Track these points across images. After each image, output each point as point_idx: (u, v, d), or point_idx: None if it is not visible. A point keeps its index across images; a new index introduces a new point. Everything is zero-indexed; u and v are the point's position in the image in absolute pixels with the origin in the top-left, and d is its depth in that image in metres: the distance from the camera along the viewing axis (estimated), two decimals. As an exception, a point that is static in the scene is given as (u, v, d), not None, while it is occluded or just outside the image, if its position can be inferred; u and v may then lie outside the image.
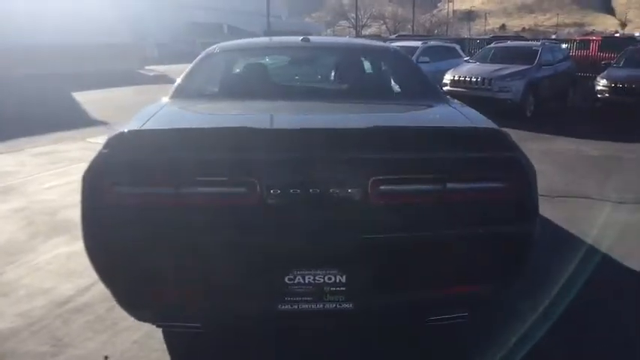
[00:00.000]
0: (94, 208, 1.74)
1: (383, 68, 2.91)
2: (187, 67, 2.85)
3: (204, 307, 1.85)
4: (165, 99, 2.55)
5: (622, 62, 9.83)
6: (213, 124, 2.05)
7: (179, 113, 2.45)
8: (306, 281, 1.77)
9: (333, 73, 2.89)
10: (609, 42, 16.02)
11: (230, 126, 1.91)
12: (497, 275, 1.92)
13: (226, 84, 2.81)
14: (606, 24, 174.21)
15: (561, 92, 10.49)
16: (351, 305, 1.80)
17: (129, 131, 1.77)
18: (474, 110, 2.34)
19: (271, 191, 1.72)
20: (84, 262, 3.11)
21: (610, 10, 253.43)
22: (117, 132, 1.76)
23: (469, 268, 1.87)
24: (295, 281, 1.77)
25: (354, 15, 45.24)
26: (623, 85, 8.62)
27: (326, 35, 41.14)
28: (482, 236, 1.80)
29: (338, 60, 3.00)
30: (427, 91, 2.64)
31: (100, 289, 2.86)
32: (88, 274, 2.99)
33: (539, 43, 10.76)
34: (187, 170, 1.72)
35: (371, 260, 1.78)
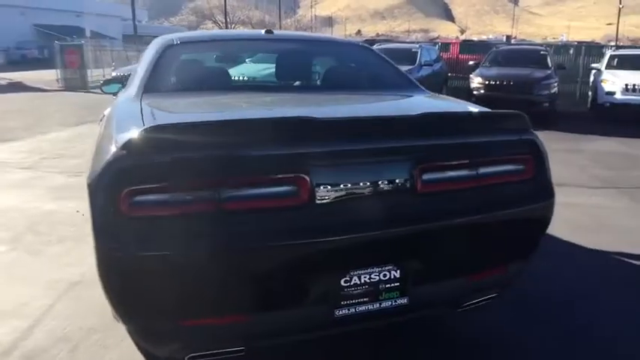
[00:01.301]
0: (113, 222, 1.42)
1: (358, 60, 2.86)
2: (143, 60, 2.51)
3: (250, 326, 1.61)
4: (132, 96, 2.20)
5: (488, 63, 11.08)
6: (253, 116, 1.76)
7: (184, 107, 2.13)
8: (362, 281, 1.65)
9: (312, 67, 2.75)
10: (466, 45, 17.98)
11: (278, 117, 1.69)
12: (522, 254, 1.99)
13: (204, 77, 2.52)
14: (448, 30, 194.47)
15: (436, 90, 11.45)
16: (405, 300, 1.73)
17: (156, 127, 1.45)
18: (452, 97, 2.42)
19: (321, 187, 1.57)
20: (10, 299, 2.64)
21: (451, 18, 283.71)
22: (136, 130, 1.45)
23: (503, 250, 1.91)
24: (351, 283, 1.64)
25: (221, 18, 44.50)
26: (495, 82, 9.70)
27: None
28: (513, 217, 1.85)
29: (312, 53, 2.87)
30: (405, 80, 2.66)
31: (49, 327, 2.42)
32: (25, 314, 2.51)
33: (417, 46, 11.63)
34: (228, 170, 1.48)
35: (422, 251, 1.73)
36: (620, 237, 3.67)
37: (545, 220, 1.95)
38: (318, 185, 1.56)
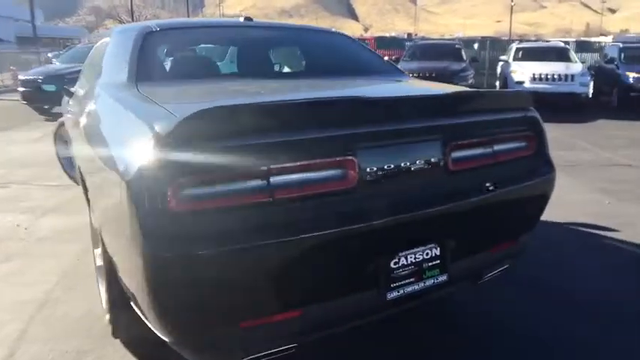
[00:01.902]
0: (161, 221, 1.26)
1: (345, 47, 2.82)
2: (113, 51, 2.30)
3: (306, 320, 1.52)
4: (122, 87, 1.99)
5: (408, 57, 11.61)
6: (298, 98, 1.65)
7: (199, 94, 1.95)
8: (408, 262, 1.64)
9: (302, 54, 2.66)
10: (382, 41, 18.72)
11: (330, 97, 1.63)
12: (530, 225, 2.09)
13: (197, 64, 2.34)
14: (353, 28, 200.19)
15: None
16: (445, 277, 1.74)
17: (206, 111, 1.29)
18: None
19: (367, 169, 1.54)
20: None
21: (355, 17, 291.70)
22: (178, 116, 1.31)
23: (517, 222, 2.01)
24: (400, 264, 1.62)
25: (126, 17, 42.22)
26: (418, 75, 10.15)
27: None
28: (526, 190, 1.93)
29: (300, 41, 2.77)
30: (389, 66, 2.69)
31: (30, 354, 2.14)
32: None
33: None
34: (283, 155, 1.39)
35: (456, 227, 1.75)
36: (571, 209, 3.98)
37: (549, 193, 2.06)
38: (365, 167, 1.53)
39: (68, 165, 4.83)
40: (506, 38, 25.28)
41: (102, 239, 1.81)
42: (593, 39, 23.57)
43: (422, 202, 1.61)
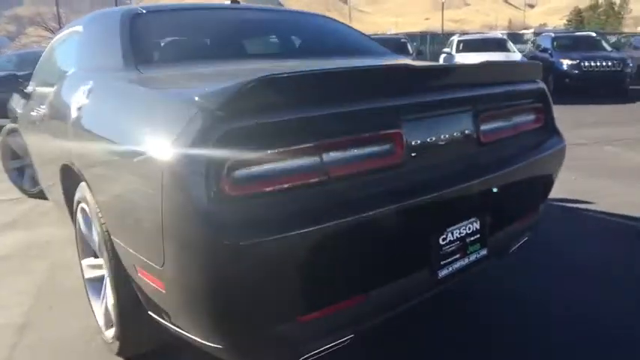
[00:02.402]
0: (215, 208, 1.11)
1: (338, 29, 2.72)
2: (109, 32, 2.07)
3: (365, 306, 1.40)
4: (119, 71, 1.80)
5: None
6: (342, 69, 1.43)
7: (217, 74, 1.77)
8: (454, 237, 1.57)
9: (296, 35, 2.51)
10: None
11: (380, 65, 1.60)
12: (546, 195, 2.10)
13: (196, 46, 2.15)
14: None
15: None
16: (485, 251, 1.70)
17: (260, 82, 1.13)
18: None
19: (412, 143, 1.46)
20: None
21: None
22: (225, 87, 1.16)
23: (538, 192, 2.01)
24: (447, 240, 1.55)
25: (54, 24, 39.84)
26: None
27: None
28: (546, 161, 1.93)
29: (291, 22, 2.63)
30: (375, 45, 2.63)
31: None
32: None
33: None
34: (337, 129, 1.28)
35: (492, 200, 1.71)
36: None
37: (561, 163, 2.08)
38: (410, 141, 1.45)
39: (17, 177, 4.43)
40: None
41: (109, 246, 1.61)
42: (520, 32, 24.92)
43: (462, 175, 1.56)
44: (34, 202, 4.24)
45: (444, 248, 1.54)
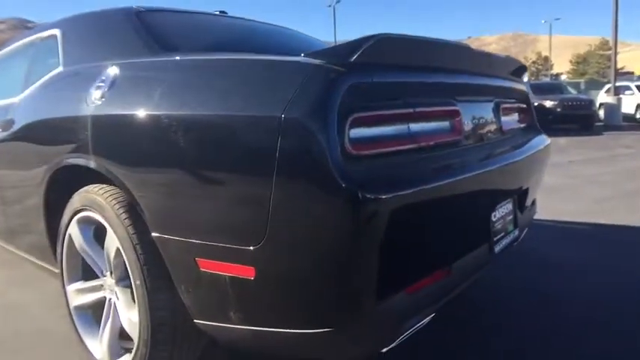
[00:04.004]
0: (342, 167, 1.04)
1: (297, 36, 2.72)
2: (121, 24, 1.92)
3: (450, 281, 1.37)
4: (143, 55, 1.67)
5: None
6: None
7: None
8: (500, 215, 1.63)
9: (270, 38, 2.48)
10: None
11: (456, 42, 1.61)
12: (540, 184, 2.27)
13: (206, 39, 2.02)
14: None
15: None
16: (517, 232, 1.77)
17: (384, 38, 1.14)
18: None
19: (466, 121, 1.51)
20: None
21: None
22: (343, 45, 1.13)
23: (540, 179, 2.16)
24: (497, 217, 1.60)
25: None
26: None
27: None
28: (544, 153, 2.10)
29: (264, 28, 2.60)
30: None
31: None
32: None
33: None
34: (429, 103, 1.33)
35: (522, 182, 1.81)
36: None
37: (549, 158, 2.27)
38: (466, 118, 1.51)
39: None
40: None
41: (142, 249, 1.41)
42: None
43: (506, 155, 1.65)
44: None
45: (495, 225, 1.59)
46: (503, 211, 1.65)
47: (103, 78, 1.59)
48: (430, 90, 1.37)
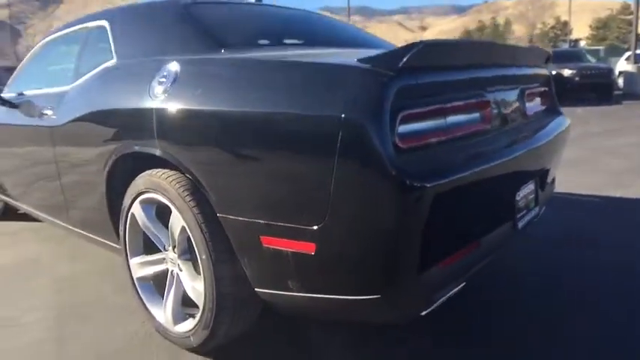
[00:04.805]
0: (393, 160, 1.23)
1: (339, 25, 2.86)
2: (174, 18, 2.09)
3: (477, 253, 1.57)
4: (197, 53, 1.83)
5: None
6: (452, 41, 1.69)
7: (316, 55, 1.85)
8: (523, 194, 1.81)
9: (318, 29, 2.60)
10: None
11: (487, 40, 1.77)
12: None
13: (257, 33, 2.18)
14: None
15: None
16: (537, 209, 1.94)
17: (426, 45, 1.31)
18: None
19: (494, 110, 1.67)
20: None
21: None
22: (394, 51, 1.32)
23: (558, 160, 2.31)
24: (520, 196, 1.78)
25: None
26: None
27: None
28: (564, 133, 2.25)
29: (310, 17, 2.73)
30: (382, 41, 2.83)
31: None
32: None
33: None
34: (462, 98, 1.51)
35: (541, 164, 1.97)
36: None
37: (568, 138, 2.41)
38: (493, 107, 1.67)
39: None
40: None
41: (207, 227, 1.61)
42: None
43: (529, 139, 1.81)
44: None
45: (518, 203, 1.76)
46: (526, 190, 1.82)
47: (165, 74, 1.76)
48: (463, 85, 1.54)
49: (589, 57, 14.28)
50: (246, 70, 1.64)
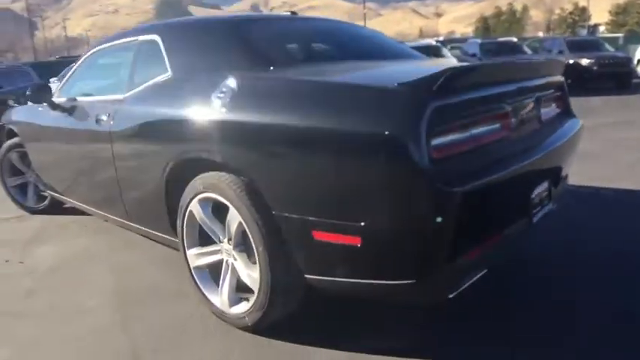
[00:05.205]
0: (430, 166, 1.50)
1: (378, 37, 3.09)
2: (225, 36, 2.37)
3: (500, 244, 1.83)
4: (247, 70, 2.10)
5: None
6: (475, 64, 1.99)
7: (364, 71, 2.16)
8: (538, 192, 2.04)
9: (357, 41, 2.85)
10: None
11: (509, 60, 2.03)
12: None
13: (298, 50, 2.47)
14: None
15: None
16: (551, 205, 2.17)
17: (453, 70, 1.58)
18: None
19: (513, 119, 1.91)
20: None
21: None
22: (427, 76, 1.58)
23: (571, 162, 2.53)
24: (535, 194, 2.01)
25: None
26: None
27: None
28: (577, 137, 2.46)
29: (345, 30, 2.97)
30: (410, 50, 3.06)
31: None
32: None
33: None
34: (485, 112, 1.77)
35: (555, 165, 2.20)
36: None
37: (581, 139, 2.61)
38: (512, 116, 1.92)
39: (18, 194, 4.38)
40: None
41: (263, 223, 1.87)
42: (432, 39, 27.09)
43: (544, 143, 2.05)
44: (40, 218, 4.21)
45: (533, 200, 2.00)
46: (540, 189, 2.06)
47: (224, 89, 2.02)
48: (486, 101, 1.78)
49: (607, 46, 14.24)
50: (299, 88, 1.90)
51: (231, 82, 2.01)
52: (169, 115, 2.31)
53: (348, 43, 2.78)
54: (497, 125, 1.82)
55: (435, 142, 1.54)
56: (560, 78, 2.50)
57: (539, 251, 2.80)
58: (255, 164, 1.90)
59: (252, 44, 2.25)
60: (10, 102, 8.13)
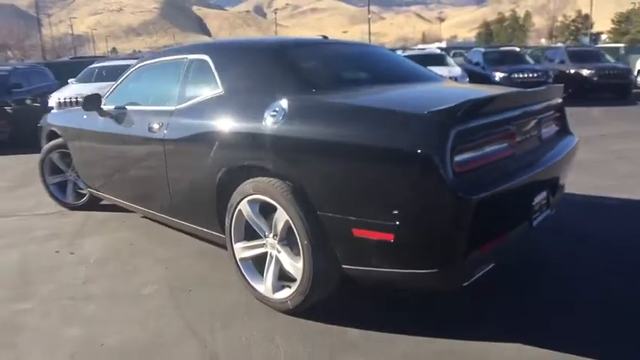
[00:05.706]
0: (453, 178, 1.88)
1: (397, 60, 3.48)
2: (271, 61, 2.76)
3: (505, 243, 2.20)
4: (291, 95, 2.44)
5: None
6: (488, 93, 2.35)
7: (397, 96, 2.57)
8: (537, 200, 2.43)
9: (385, 65, 3.25)
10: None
11: (515, 90, 2.49)
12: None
13: (336, 75, 2.90)
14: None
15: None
16: (549, 211, 2.55)
17: (473, 100, 2.00)
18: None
19: (518, 139, 2.29)
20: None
21: (206, 32, 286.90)
22: (451, 106, 1.95)
23: (568, 173, 2.92)
24: (535, 202, 2.40)
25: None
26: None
27: None
28: (572, 152, 2.85)
29: (374, 53, 3.38)
30: (430, 72, 3.44)
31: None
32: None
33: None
34: (506, 126, 2.18)
35: (553, 176, 2.59)
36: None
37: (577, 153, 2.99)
38: (517, 139, 2.31)
39: (57, 191, 4.74)
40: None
41: (309, 220, 2.23)
42: (432, 45, 27.41)
43: (544, 157, 2.44)
44: (80, 214, 4.57)
45: (534, 207, 2.38)
46: (540, 197, 2.44)
47: (277, 109, 2.40)
48: (496, 124, 2.16)
49: (608, 56, 14.63)
50: (342, 111, 2.31)
51: (284, 103, 2.39)
52: (222, 126, 2.69)
53: (377, 66, 3.18)
54: (505, 144, 2.20)
55: (457, 158, 1.93)
56: (559, 100, 2.88)
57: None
58: (304, 172, 2.29)
59: (296, 69, 2.65)
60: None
